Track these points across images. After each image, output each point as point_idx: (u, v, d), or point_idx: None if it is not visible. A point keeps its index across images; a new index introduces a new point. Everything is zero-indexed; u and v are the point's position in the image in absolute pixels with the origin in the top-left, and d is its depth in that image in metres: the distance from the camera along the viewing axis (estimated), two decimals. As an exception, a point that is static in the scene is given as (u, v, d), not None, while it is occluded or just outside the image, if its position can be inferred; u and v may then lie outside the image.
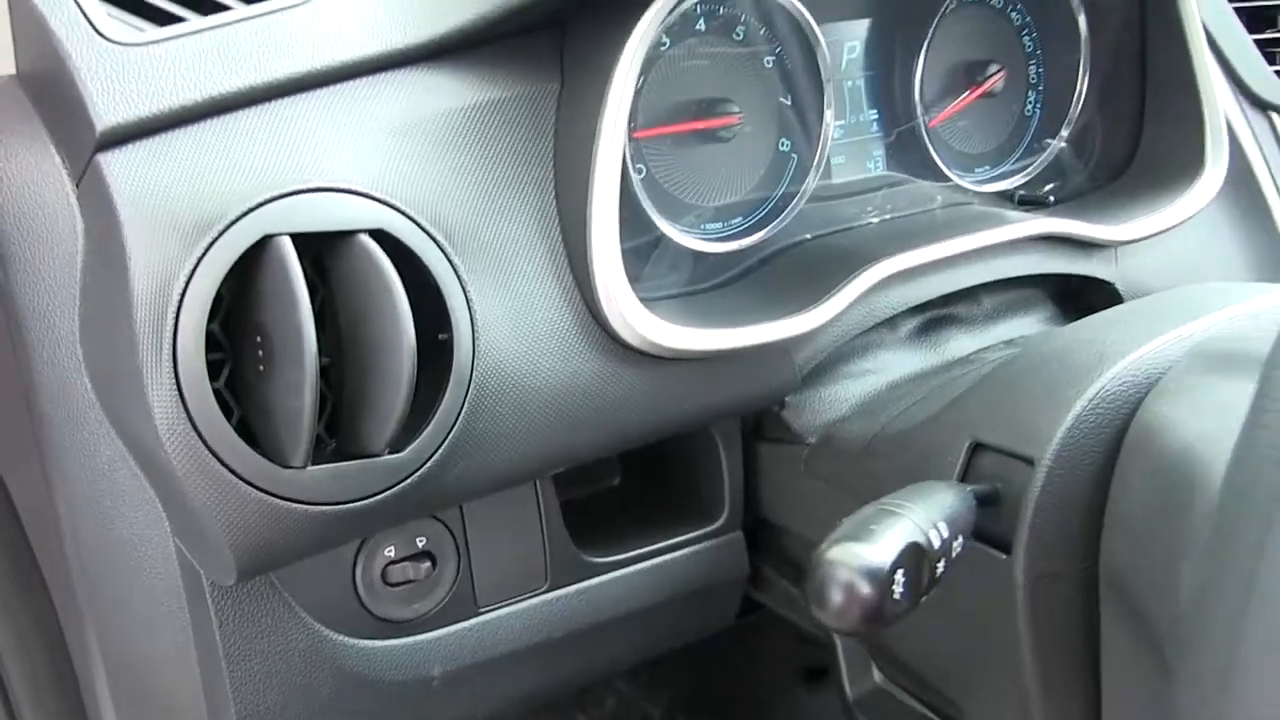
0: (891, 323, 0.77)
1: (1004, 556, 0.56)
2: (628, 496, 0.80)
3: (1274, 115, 0.92)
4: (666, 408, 0.68)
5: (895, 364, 0.76)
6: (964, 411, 0.62)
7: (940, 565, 0.49)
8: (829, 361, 0.74)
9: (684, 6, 0.68)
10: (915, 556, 0.48)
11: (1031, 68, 0.88)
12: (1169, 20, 0.84)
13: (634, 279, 0.68)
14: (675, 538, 0.74)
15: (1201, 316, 0.59)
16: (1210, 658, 0.39)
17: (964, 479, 0.59)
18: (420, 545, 0.66)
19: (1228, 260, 0.87)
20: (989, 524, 0.57)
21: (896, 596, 0.47)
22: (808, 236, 0.78)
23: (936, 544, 0.49)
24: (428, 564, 0.66)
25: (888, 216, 0.81)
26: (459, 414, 0.59)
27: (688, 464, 0.76)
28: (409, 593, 0.67)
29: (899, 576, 0.47)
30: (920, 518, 0.49)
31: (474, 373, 0.59)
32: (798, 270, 0.74)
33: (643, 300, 0.66)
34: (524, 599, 0.70)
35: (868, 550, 0.47)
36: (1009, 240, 0.78)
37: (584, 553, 0.72)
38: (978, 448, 0.59)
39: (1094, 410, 0.55)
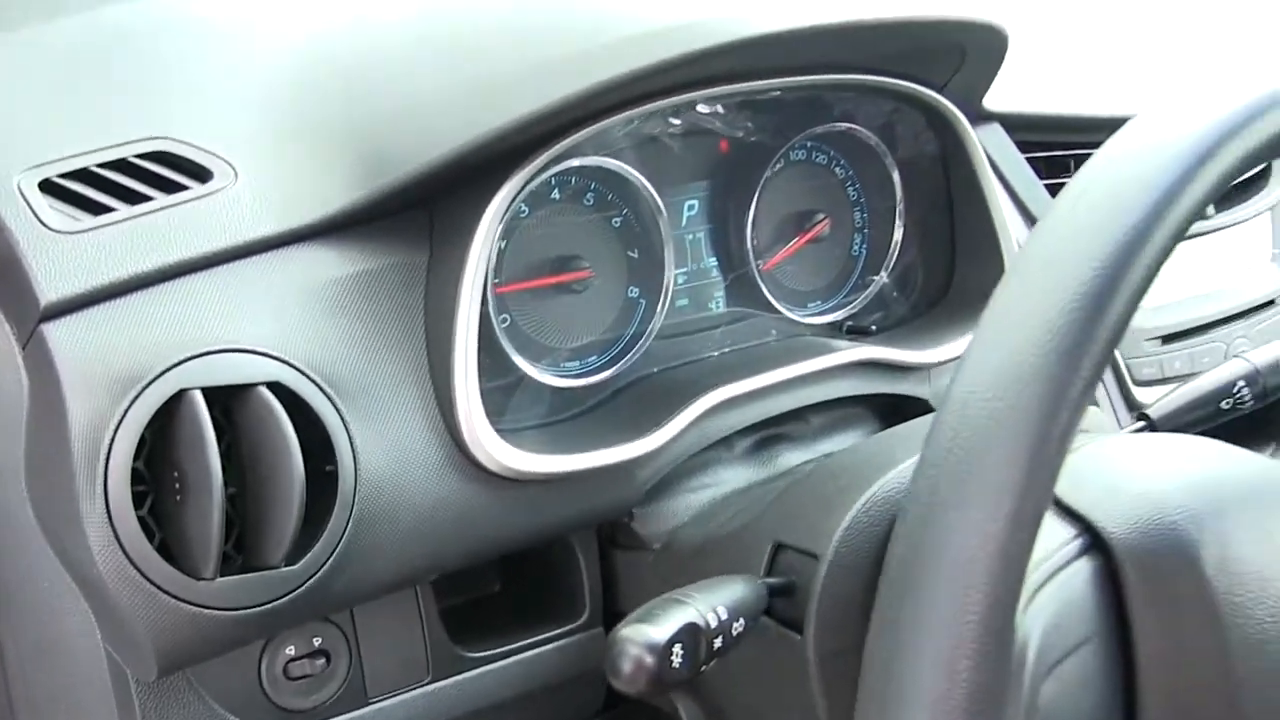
0: (727, 441, 0.89)
1: (798, 637, 0.68)
2: (505, 598, 0.91)
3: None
4: (526, 522, 0.80)
5: (731, 478, 0.89)
6: (771, 517, 0.75)
7: (718, 641, 0.61)
8: (671, 477, 0.86)
9: (536, 183, 0.81)
10: (692, 634, 0.60)
11: (856, 214, 1.02)
12: (968, 178, 0.98)
13: (499, 413, 0.81)
14: (543, 634, 0.86)
15: None
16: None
17: (769, 573, 0.72)
18: (317, 644, 0.77)
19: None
20: (787, 610, 0.69)
21: (675, 665, 0.59)
22: (654, 370, 0.91)
23: (713, 624, 0.61)
24: (323, 660, 0.78)
25: (727, 349, 0.94)
26: (343, 533, 0.71)
27: (554, 568, 0.88)
28: (307, 686, 0.78)
29: (677, 649, 0.59)
30: (700, 604, 0.62)
31: (356, 498, 0.71)
32: (643, 400, 0.87)
33: (509, 430, 0.79)
34: (408, 690, 0.82)
35: (650, 629, 0.59)
36: (832, 366, 0.91)
37: (461, 648, 0.83)
38: (779, 547, 0.72)
39: (867, 512, 0.68)
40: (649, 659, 0.59)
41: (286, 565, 0.69)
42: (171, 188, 0.75)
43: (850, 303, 1.02)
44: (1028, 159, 1.09)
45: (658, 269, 0.90)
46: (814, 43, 0.83)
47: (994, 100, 1.06)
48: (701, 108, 0.90)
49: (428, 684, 0.82)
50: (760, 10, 0.84)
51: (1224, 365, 0.92)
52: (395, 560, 0.74)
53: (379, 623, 0.80)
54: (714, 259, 0.95)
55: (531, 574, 0.89)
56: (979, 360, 0.49)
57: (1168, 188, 0.48)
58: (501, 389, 0.84)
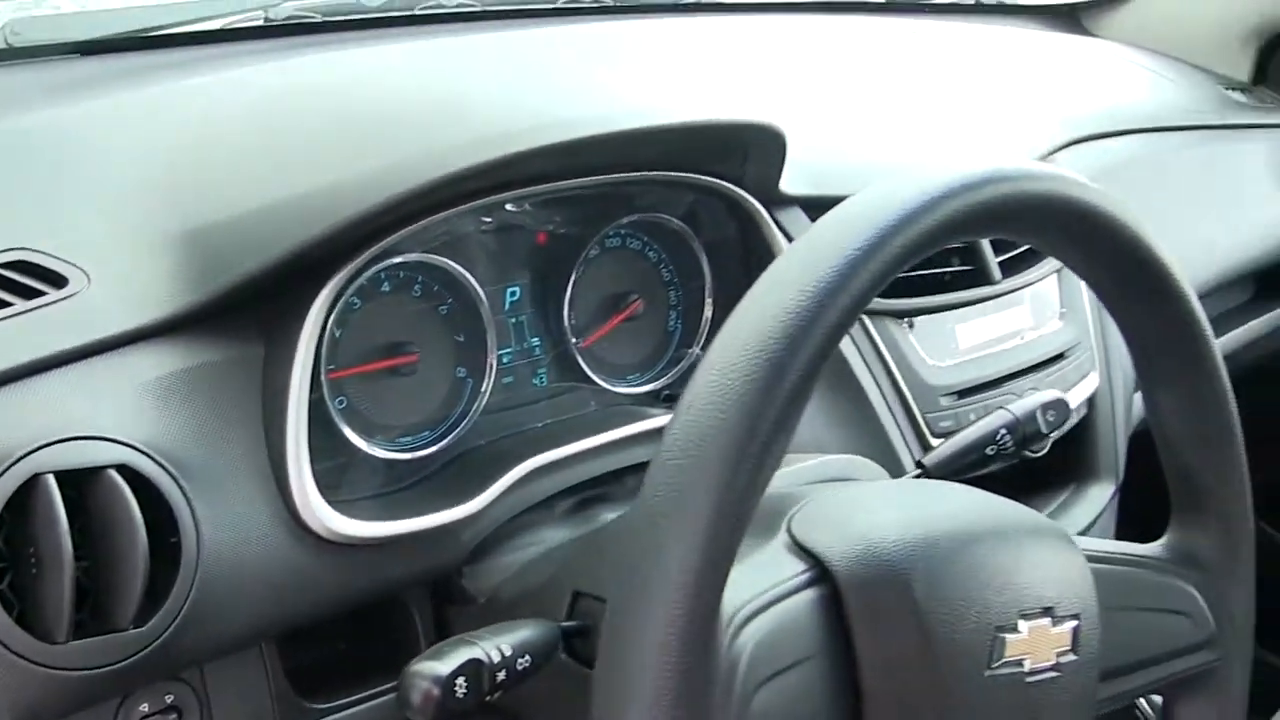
0: (549, 503, 1.00)
1: (589, 671, 0.78)
2: (350, 653, 1.00)
3: (862, 316, 1.18)
4: (360, 583, 0.89)
5: (552, 536, 0.99)
6: (571, 568, 0.85)
7: (502, 674, 0.71)
8: (498, 536, 0.96)
9: (363, 278, 0.91)
10: (475, 668, 0.70)
11: (670, 293, 1.13)
12: (764, 258, 1.10)
13: (336, 485, 0.90)
14: (384, 684, 0.95)
15: None
16: None
17: (569, 617, 0.82)
18: (169, 700, 0.85)
19: (816, 432, 1.12)
20: (585, 649, 0.79)
21: (460, 695, 0.69)
22: (482, 441, 1.01)
23: (496, 659, 0.71)
24: (175, 716, 0.86)
25: (549, 421, 1.05)
26: (187, 597, 0.79)
27: (394, 623, 0.97)
28: (161, 741, 0.86)
29: (460, 682, 0.69)
30: (486, 643, 0.72)
31: (199, 566, 0.80)
32: (467, 468, 0.97)
33: (346, 500, 0.89)
34: (258, 742, 0.90)
35: (437, 664, 0.69)
36: (644, 430, 1.02)
37: (306, 701, 0.92)
38: (576, 595, 0.82)
39: None
40: (435, 690, 0.69)
41: (134, 628, 0.77)
42: (30, 294, 0.84)
43: (666, 374, 1.13)
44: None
45: (482, 350, 1.01)
46: (603, 148, 0.95)
47: (792, 185, 1.17)
48: (510, 206, 1.01)
49: (276, 735, 0.91)
50: (557, 118, 0.96)
51: (989, 416, 1.04)
52: (238, 621, 0.83)
53: (228, 679, 0.88)
54: (536, 339, 1.06)
55: (374, 629, 0.98)
56: (679, 422, 0.60)
57: (827, 286, 0.59)
58: (339, 464, 0.93)
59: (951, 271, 1.28)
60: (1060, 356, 1.33)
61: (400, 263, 0.95)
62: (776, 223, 1.16)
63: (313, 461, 0.86)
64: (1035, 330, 1.33)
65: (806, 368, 0.59)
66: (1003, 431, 1.03)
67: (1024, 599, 0.72)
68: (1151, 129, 1.74)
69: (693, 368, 1.12)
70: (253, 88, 1.12)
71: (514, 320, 1.05)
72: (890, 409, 1.17)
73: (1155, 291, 0.76)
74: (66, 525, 0.75)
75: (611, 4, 1.58)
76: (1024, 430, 1.04)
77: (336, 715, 0.93)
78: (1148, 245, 0.73)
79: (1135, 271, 0.74)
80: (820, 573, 0.71)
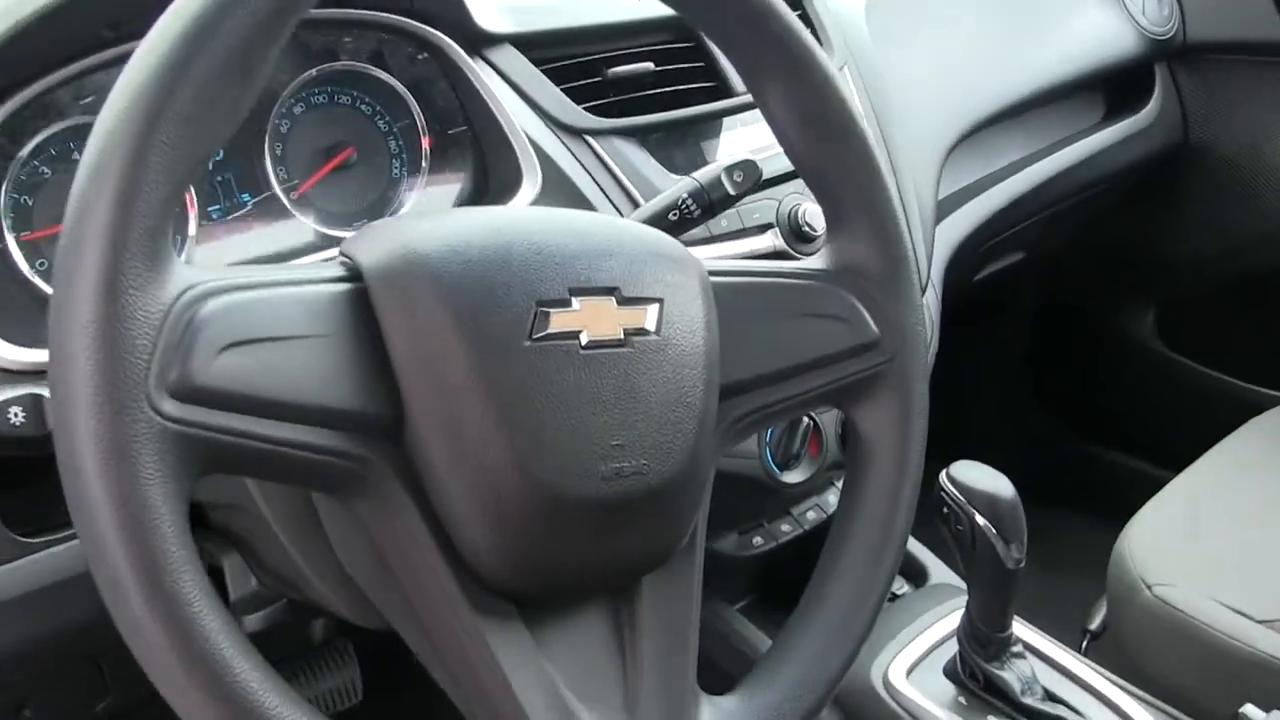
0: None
1: None
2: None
3: (588, 139, 1.23)
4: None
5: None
6: None
7: None
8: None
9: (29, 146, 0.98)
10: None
11: (390, 141, 1.19)
12: (471, 93, 1.17)
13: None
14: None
15: None
16: None
17: None
18: None
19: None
20: None
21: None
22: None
23: None
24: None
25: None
26: None
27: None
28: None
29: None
30: None
31: None
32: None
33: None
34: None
35: None
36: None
37: (15, 532, 0.95)
38: None
39: None
40: None
41: None
42: None
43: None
44: (548, 71, 1.25)
45: (182, 209, 1.07)
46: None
47: (501, 23, 1.23)
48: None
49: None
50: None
51: (675, 185, 1.09)
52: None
53: None
54: (246, 194, 1.12)
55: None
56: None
57: None
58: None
59: (692, 88, 1.32)
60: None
61: (71, 126, 1.01)
62: (489, 63, 1.21)
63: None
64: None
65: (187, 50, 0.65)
66: (685, 197, 1.07)
67: (577, 278, 0.76)
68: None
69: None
70: None
71: (219, 179, 1.11)
72: (628, 222, 1.22)
73: None
74: None
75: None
76: (710, 195, 1.08)
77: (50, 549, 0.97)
78: None
79: None
80: (352, 271, 0.75)
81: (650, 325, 0.79)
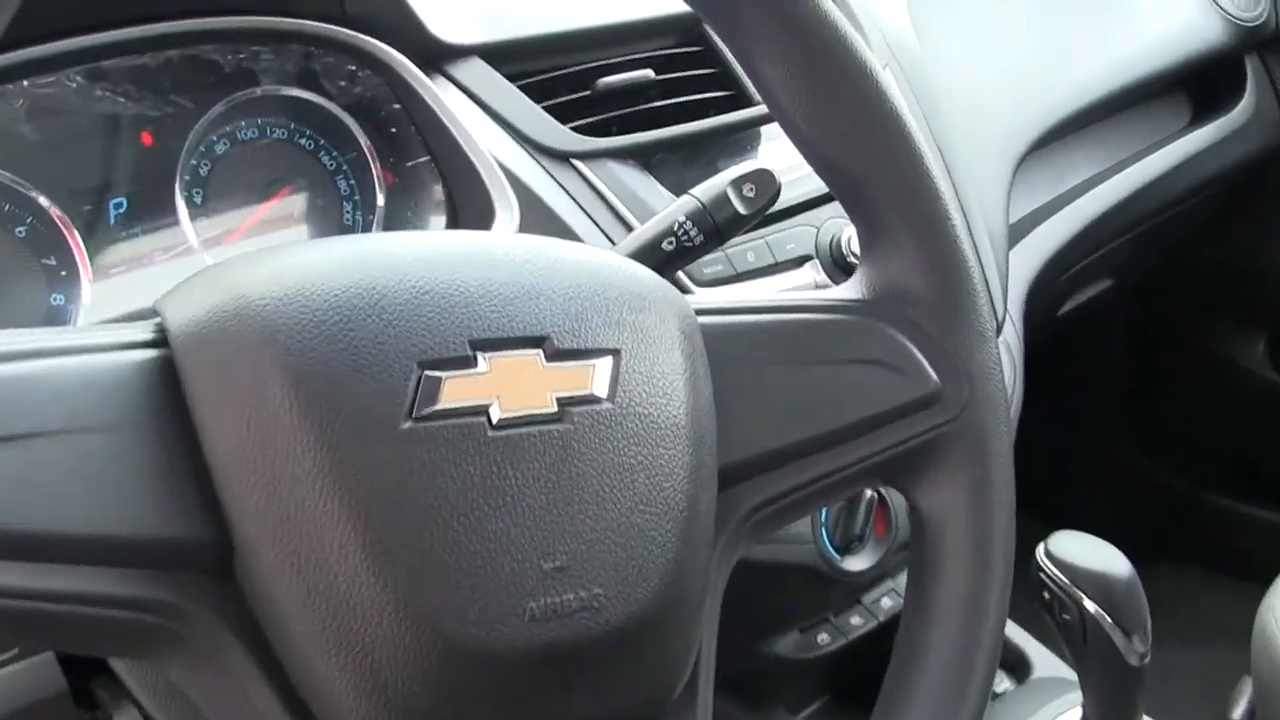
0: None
1: None
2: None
3: (576, 163, 1.03)
4: None
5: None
6: None
7: None
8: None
9: None
10: None
11: (340, 182, 0.99)
12: (431, 119, 0.97)
13: None
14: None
15: None
16: None
17: None
18: None
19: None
20: None
21: None
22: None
23: None
24: None
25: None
26: None
27: None
28: None
29: None
30: None
31: None
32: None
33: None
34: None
35: None
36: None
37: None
38: None
39: None
40: None
41: None
42: None
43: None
44: (526, 87, 1.05)
45: (74, 274, 0.87)
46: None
47: (464, 33, 1.03)
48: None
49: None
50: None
51: (674, 204, 0.87)
52: None
53: None
54: (160, 250, 0.92)
55: None
56: None
57: None
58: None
59: (704, 98, 1.12)
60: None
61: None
62: (451, 79, 1.02)
63: None
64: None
65: None
66: (681, 220, 0.85)
67: (484, 325, 0.54)
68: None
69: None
70: None
71: (124, 234, 0.91)
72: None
73: None
74: None
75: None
76: (715, 217, 0.85)
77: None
78: None
79: None
80: (158, 336, 0.53)
81: (599, 389, 0.56)
